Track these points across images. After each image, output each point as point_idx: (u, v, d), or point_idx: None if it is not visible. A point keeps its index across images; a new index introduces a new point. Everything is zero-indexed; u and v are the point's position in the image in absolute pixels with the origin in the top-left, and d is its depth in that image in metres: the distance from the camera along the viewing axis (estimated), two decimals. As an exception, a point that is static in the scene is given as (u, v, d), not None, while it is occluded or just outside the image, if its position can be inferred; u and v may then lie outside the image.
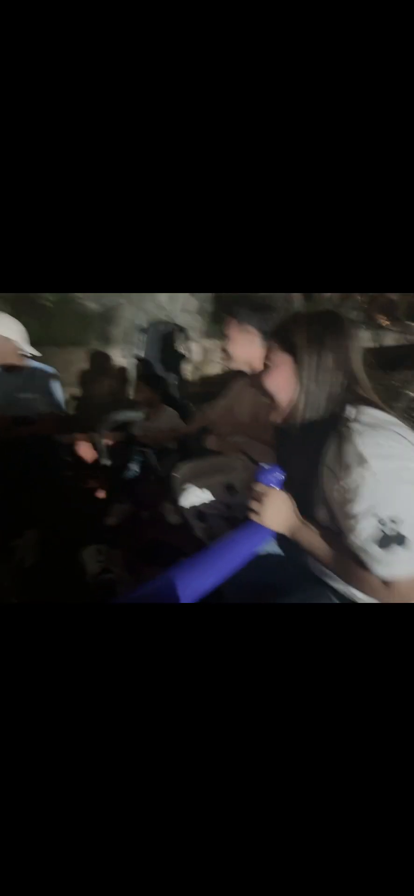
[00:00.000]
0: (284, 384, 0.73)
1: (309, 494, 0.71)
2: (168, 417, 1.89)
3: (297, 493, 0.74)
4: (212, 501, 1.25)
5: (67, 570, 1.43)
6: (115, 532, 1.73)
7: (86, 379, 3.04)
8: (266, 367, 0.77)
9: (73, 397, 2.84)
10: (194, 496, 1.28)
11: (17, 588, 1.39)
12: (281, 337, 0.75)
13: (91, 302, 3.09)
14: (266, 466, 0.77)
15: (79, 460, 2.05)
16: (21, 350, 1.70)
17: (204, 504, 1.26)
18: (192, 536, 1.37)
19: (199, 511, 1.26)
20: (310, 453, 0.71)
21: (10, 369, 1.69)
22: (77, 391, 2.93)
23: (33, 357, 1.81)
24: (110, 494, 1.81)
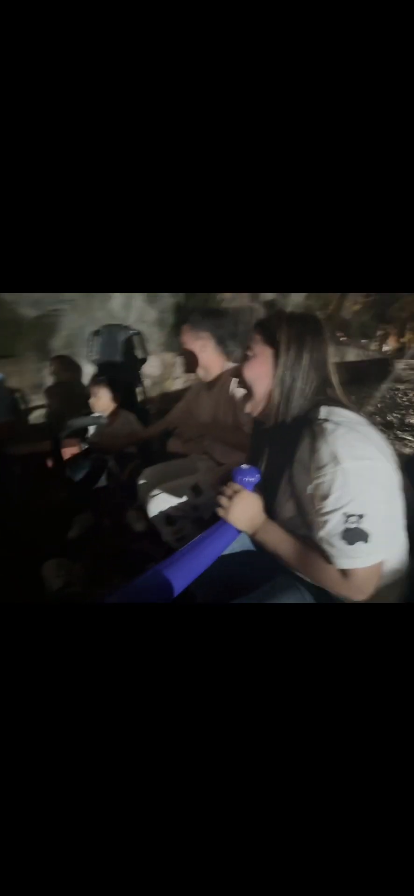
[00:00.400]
0: (262, 375, 0.76)
1: (278, 488, 0.74)
2: (126, 422, 1.86)
3: (267, 486, 0.77)
4: (179, 504, 1.25)
5: (26, 586, 1.35)
6: (77, 544, 1.66)
7: (39, 386, 2.89)
8: (246, 357, 0.79)
9: (29, 406, 2.69)
10: (161, 501, 1.27)
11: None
12: (264, 330, 0.77)
13: (27, 308, 2.90)
14: (244, 467, 0.79)
15: (35, 470, 1.94)
16: None
17: (171, 507, 1.25)
18: (159, 541, 1.36)
19: (167, 515, 1.25)
20: (282, 449, 0.73)
21: None
22: (32, 399, 2.78)
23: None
24: (70, 505, 1.74)
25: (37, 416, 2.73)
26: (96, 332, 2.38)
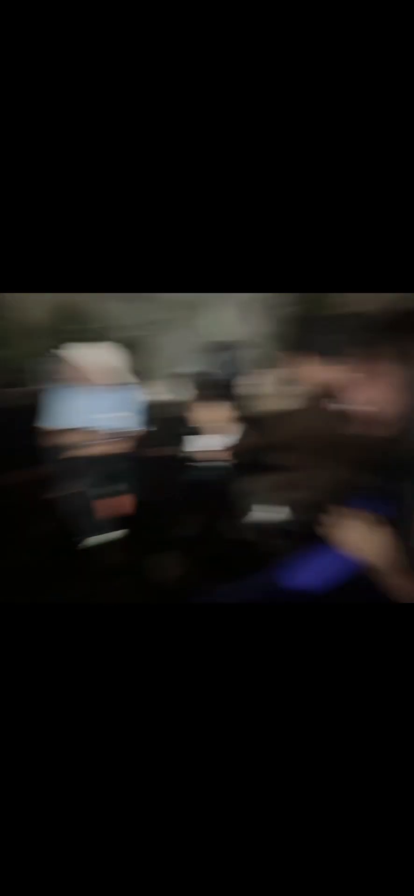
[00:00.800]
0: (388, 395, 0.68)
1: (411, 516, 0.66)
2: (238, 435, 1.94)
3: (395, 514, 0.69)
4: (280, 518, 1.25)
5: (143, 571, 1.54)
6: (190, 541, 1.82)
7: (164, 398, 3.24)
8: (365, 370, 0.73)
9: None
10: (263, 512, 1.29)
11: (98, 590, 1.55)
12: (388, 344, 0.67)
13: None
14: (367, 491, 0.73)
15: (161, 472, 2.20)
16: (120, 375, 1.87)
17: (271, 520, 1.26)
18: (266, 552, 1.38)
19: (266, 527, 1.27)
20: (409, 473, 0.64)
21: (108, 389, 1.89)
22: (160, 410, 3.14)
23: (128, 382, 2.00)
24: (188, 506, 1.91)
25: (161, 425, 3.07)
26: (212, 349, 2.57)
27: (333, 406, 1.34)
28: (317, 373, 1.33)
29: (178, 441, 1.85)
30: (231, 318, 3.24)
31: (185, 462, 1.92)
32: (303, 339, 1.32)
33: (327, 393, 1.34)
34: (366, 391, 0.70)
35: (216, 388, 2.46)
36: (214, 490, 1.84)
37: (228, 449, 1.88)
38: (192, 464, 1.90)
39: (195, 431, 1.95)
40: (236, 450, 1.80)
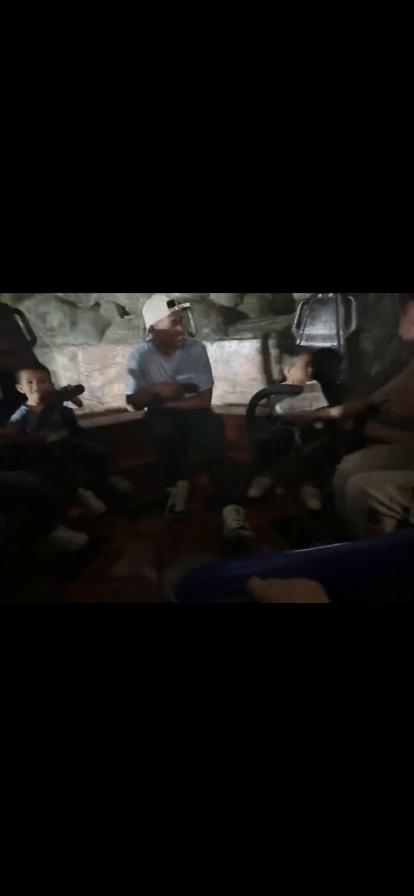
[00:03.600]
0: None
1: None
2: (315, 397, 1.78)
3: None
4: (387, 500, 1.05)
5: (210, 522, 1.58)
6: (253, 501, 1.80)
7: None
8: None
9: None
10: (366, 490, 1.08)
11: (165, 528, 1.63)
12: None
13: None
14: None
15: (231, 427, 2.19)
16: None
17: (377, 501, 1.06)
18: (335, 523, 1.28)
19: (370, 509, 1.06)
20: None
21: (169, 352, 1.80)
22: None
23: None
24: (255, 466, 1.87)
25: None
26: (305, 302, 2.35)
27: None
28: None
29: (259, 399, 1.77)
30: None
31: (267, 421, 1.85)
32: None
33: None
34: None
35: (302, 346, 2.29)
36: (295, 453, 1.74)
37: (302, 410, 1.75)
38: (273, 424, 1.82)
39: (281, 389, 1.85)
40: (328, 414, 1.63)
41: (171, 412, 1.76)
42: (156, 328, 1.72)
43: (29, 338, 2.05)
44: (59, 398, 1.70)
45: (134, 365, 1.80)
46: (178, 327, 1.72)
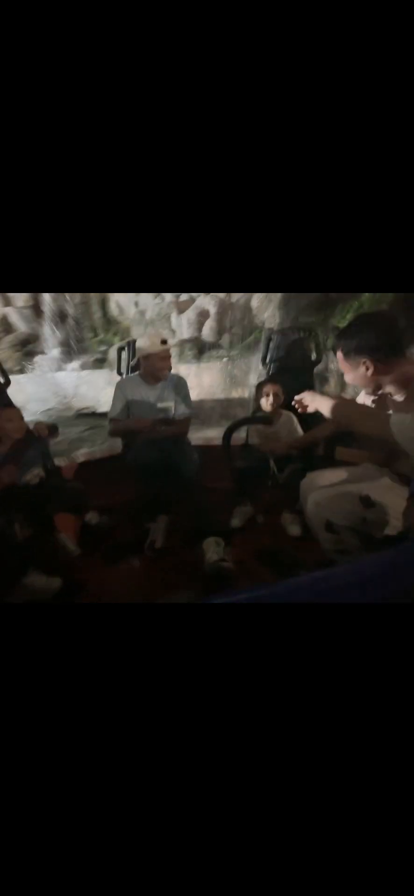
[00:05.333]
0: None
1: None
2: (289, 424, 1.84)
3: None
4: (344, 513, 1.14)
5: (189, 556, 1.54)
6: (234, 532, 1.79)
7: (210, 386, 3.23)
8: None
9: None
10: (324, 506, 1.18)
11: (145, 567, 1.58)
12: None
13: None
14: None
15: (208, 459, 2.19)
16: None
17: (335, 515, 1.15)
18: (314, 548, 1.29)
19: (329, 522, 1.17)
20: None
21: (153, 382, 1.89)
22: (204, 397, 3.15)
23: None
24: (234, 496, 1.87)
25: (205, 411, 3.07)
26: (269, 335, 2.46)
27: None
28: (375, 377, 1.18)
29: (235, 427, 1.81)
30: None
31: (244, 449, 1.88)
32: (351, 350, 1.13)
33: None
34: None
35: (278, 375, 2.37)
36: (271, 481, 1.77)
37: (275, 438, 1.80)
38: (250, 451, 1.86)
39: (257, 419, 1.90)
40: (283, 440, 1.71)
41: (150, 443, 1.78)
42: (148, 359, 1.87)
43: (2, 380, 2.02)
44: (33, 436, 1.65)
45: (120, 390, 1.93)
46: (166, 362, 1.89)
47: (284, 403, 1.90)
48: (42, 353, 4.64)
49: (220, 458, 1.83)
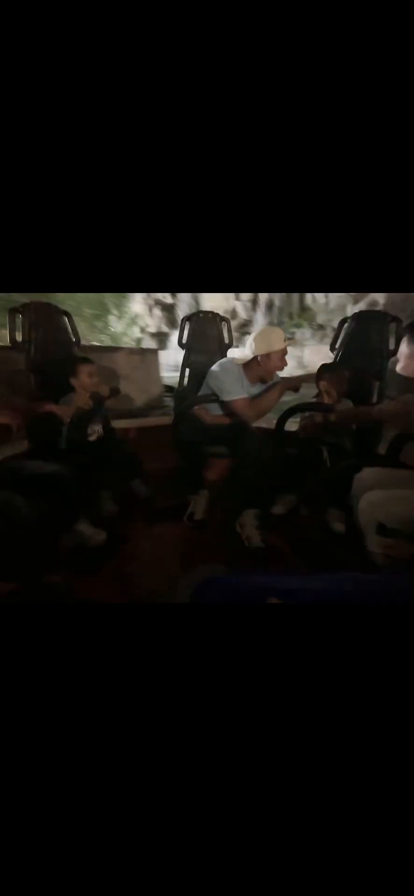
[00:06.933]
0: None
1: None
2: (346, 412, 1.69)
3: None
4: (400, 516, 1.05)
5: (227, 534, 1.55)
6: (276, 518, 1.74)
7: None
8: None
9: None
10: (378, 506, 1.10)
11: (181, 534, 1.63)
12: None
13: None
14: None
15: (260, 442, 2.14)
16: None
17: (389, 517, 1.06)
18: (358, 548, 1.21)
19: (381, 524, 1.07)
20: None
21: (255, 381, 1.72)
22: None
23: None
24: (280, 481, 1.82)
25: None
26: (343, 321, 2.27)
27: None
28: None
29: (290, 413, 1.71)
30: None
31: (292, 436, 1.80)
32: None
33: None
34: None
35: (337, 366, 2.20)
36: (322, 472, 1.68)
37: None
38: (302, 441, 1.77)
39: (314, 406, 1.79)
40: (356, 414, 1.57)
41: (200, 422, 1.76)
42: (268, 357, 1.65)
43: (74, 338, 2.17)
44: (102, 398, 1.74)
45: (216, 375, 1.72)
46: (283, 361, 1.68)
47: (347, 392, 1.76)
48: (249, 333, 5.83)
49: (270, 442, 1.78)
